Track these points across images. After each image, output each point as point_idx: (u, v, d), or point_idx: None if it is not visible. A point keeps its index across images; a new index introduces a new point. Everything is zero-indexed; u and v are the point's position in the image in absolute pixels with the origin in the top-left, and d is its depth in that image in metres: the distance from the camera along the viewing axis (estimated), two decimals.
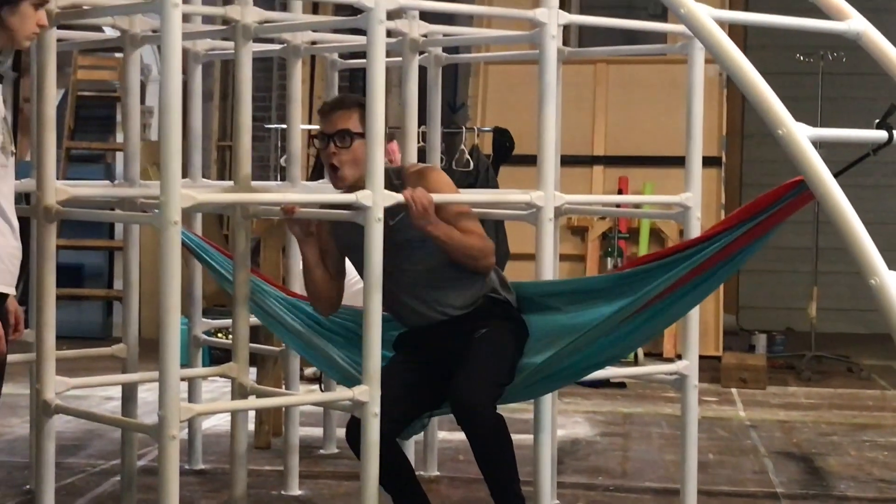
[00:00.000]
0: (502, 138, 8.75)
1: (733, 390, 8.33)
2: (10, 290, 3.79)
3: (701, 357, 5.06)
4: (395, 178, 4.42)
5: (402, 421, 4.42)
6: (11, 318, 3.87)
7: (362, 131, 4.25)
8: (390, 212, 4.21)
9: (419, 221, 4.26)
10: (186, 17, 5.12)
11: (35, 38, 3.83)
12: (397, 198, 4.16)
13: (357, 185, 4.26)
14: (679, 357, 5.05)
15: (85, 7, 5.00)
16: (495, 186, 7.92)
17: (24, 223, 3.98)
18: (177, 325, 3.75)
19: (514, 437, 4.28)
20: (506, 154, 8.65)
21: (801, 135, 3.38)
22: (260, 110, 10.50)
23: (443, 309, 4.46)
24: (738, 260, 4.26)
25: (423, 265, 4.45)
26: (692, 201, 4.90)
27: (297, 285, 5.36)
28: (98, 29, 7.69)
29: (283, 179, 6.03)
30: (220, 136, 10.89)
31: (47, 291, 4.27)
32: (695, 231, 4.89)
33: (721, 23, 3.52)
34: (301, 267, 5.35)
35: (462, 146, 8.06)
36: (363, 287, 4.15)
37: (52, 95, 4.25)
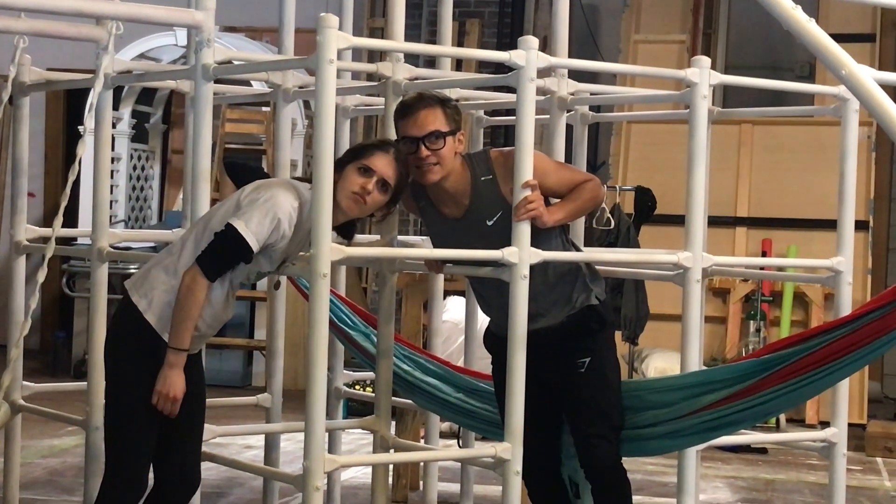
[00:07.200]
0: (644, 197, 8.70)
1: (878, 459, 8.07)
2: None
3: None
4: (481, 164, 4.30)
5: (537, 452, 4.37)
6: None
7: (449, 128, 4.21)
8: (487, 213, 4.21)
9: (543, 225, 4.17)
10: (337, 73, 5.19)
11: (359, 201, 4.01)
12: (543, 255, 4.13)
13: (443, 180, 4.24)
14: (823, 424, 4.93)
15: (240, 62, 5.12)
16: (636, 246, 7.85)
17: None
18: (323, 377, 3.78)
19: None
20: (647, 213, 8.59)
21: None
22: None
23: (538, 307, 4.29)
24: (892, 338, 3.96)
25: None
26: (844, 266, 4.80)
27: (438, 341, 5.37)
28: (247, 83, 7.85)
29: (423, 234, 6.06)
30: None
31: None
32: (846, 296, 4.78)
33: (882, 85, 3.46)
34: (439, 323, 5.38)
35: (603, 204, 8.01)
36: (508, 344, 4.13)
37: (208, 148, 4.34)
